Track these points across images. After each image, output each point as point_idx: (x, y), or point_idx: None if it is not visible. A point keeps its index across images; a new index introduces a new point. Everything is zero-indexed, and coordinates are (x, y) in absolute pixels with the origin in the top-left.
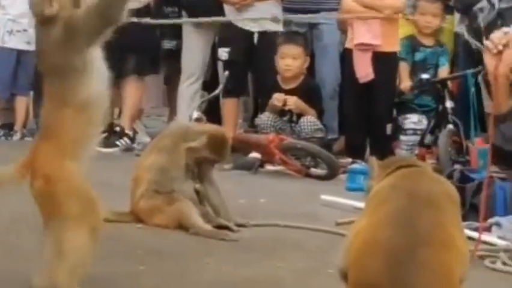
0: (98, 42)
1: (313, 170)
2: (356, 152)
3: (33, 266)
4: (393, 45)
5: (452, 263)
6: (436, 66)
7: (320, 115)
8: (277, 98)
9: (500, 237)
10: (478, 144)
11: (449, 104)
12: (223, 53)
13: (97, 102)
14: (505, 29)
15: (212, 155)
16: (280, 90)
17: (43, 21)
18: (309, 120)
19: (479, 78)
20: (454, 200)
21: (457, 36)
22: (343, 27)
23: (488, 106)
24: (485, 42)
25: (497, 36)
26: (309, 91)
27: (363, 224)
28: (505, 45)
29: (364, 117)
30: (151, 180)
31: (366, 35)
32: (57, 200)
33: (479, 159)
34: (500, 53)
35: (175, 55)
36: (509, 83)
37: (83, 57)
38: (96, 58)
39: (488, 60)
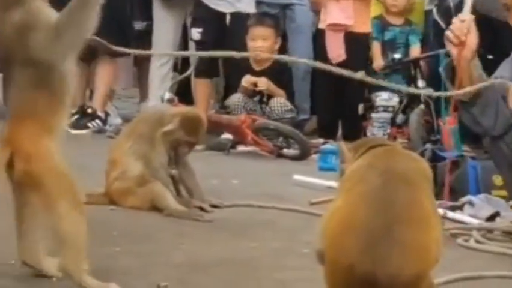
0: (73, 53)
1: (285, 151)
2: (327, 132)
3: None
4: (365, 25)
5: (429, 240)
6: (406, 46)
7: (291, 96)
8: (246, 80)
9: (472, 216)
10: (449, 124)
11: (420, 83)
12: (196, 33)
13: (68, 81)
14: (461, 16)
15: (187, 137)
16: (251, 71)
17: (6, 6)
18: (280, 102)
19: (440, 69)
20: (428, 177)
21: (427, 15)
22: (316, 8)
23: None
24: (446, 33)
25: (457, 26)
26: (279, 72)
27: (339, 204)
28: (467, 33)
29: (336, 97)
30: (136, 174)
31: (339, 15)
32: (38, 178)
33: (450, 138)
34: (462, 43)
35: (145, 36)
36: (471, 67)
37: (57, 58)
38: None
39: (452, 49)
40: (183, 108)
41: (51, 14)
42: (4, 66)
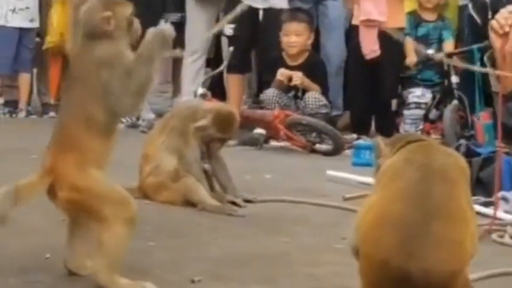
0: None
1: (318, 146)
2: (361, 128)
3: None
4: (399, 21)
5: (464, 236)
6: (439, 41)
7: (325, 91)
8: (282, 74)
9: (507, 212)
10: (483, 119)
11: (454, 79)
12: (228, 28)
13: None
14: (510, 7)
15: (219, 133)
16: (285, 66)
17: (93, 35)
18: (314, 96)
19: (485, 58)
20: (465, 172)
21: (461, 10)
22: (348, 4)
23: (495, 85)
24: (491, 22)
25: (504, 16)
26: (313, 67)
27: (376, 199)
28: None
29: (369, 93)
30: (170, 169)
31: (372, 11)
32: (88, 207)
33: (484, 134)
34: (506, 34)
35: (179, 28)
36: None
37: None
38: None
39: (495, 40)
40: (217, 104)
41: (130, 57)
42: (42, 60)
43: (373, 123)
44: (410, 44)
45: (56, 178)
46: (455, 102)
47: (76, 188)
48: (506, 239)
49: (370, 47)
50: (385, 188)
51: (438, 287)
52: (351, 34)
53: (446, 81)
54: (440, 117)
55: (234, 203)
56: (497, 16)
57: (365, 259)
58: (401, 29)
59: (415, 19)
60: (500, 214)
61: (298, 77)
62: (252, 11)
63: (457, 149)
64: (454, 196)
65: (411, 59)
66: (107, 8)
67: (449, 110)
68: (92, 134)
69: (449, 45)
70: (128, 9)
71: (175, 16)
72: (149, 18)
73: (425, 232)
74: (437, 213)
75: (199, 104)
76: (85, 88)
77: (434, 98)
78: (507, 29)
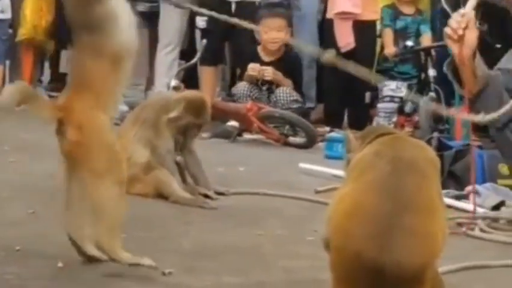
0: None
1: (291, 139)
2: (334, 121)
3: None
4: (373, 13)
5: (435, 229)
6: (417, 35)
7: (299, 86)
8: (253, 69)
9: (478, 205)
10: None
11: (431, 72)
12: (201, 21)
13: (127, 53)
14: (461, 10)
15: (194, 119)
16: (260, 61)
17: None
18: (286, 91)
19: (444, 66)
20: (435, 165)
21: (433, 4)
22: None
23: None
24: (445, 29)
25: (456, 19)
26: (288, 63)
27: (346, 191)
28: (465, 28)
29: (343, 86)
30: (142, 161)
31: (346, 3)
32: (88, 151)
33: (462, 128)
34: (461, 37)
35: (149, 19)
36: (473, 64)
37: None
38: (121, 8)
39: (451, 46)
40: (186, 93)
41: None
42: (15, 51)
43: (346, 116)
44: (388, 36)
45: (66, 115)
46: (431, 94)
47: (82, 127)
48: (477, 232)
49: (345, 39)
50: (356, 180)
51: (409, 279)
52: (325, 27)
53: (423, 75)
54: (415, 110)
55: (206, 196)
56: (450, 21)
57: (336, 251)
58: (374, 21)
59: (393, 12)
60: (471, 207)
61: (269, 72)
62: (225, 4)
63: (429, 142)
64: (424, 189)
65: (390, 49)
66: None
67: (424, 103)
68: (102, 72)
69: (426, 38)
70: None
71: (142, 6)
72: None
73: (397, 224)
74: (408, 206)
75: (170, 96)
76: (85, 26)
77: (410, 90)
78: (461, 32)
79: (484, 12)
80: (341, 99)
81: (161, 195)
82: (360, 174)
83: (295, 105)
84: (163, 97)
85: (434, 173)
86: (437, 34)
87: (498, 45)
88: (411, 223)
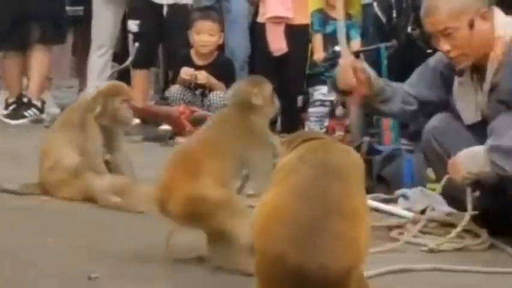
0: None
1: None
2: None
3: None
4: (304, 17)
5: (359, 233)
6: (347, 39)
7: None
8: (185, 73)
9: (406, 209)
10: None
11: None
12: (133, 25)
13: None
14: (341, 62)
15: (117, 99)
16: (192, 65)
17: (245, 108)
18: (219, 95)
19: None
20: (360, 170)
21: (365, 9)
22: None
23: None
24: (337, 85)
25: (343, 76)
26: (221, 67)
27: (271, 195)
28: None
29: (275, 89)
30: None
31: (278, 7)
32: (200, 217)
33: (391, 132)
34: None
35: (81, 22)
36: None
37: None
38: None
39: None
40: (99, 87)
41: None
42: None
43: (279, 120)
44: (318, 41)
45: (170, 193)
46: None
47: (190, 199)
48: (406, 236)
49: (278, 44)
50: (280, 184)
51: (333, 283)
52: (256, 31)
53: None
54: (346, 114)
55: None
56: (338, 77)
57: (259, 254)
58: (306, 25)
59: (323, 16)
60: (400, 211)
61: (202, 76)
62: (156, 7)
63: (359, 146)
64: (348, 193)
65: (319, 55)
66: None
67: (356, 107)
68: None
69: (356, 43)
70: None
71: (74, 9)
72: (53, 13)
73: (321, 228)
74: (332, 210)
75: (90, 94)
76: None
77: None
78: (354, 81)
79: (416, 17)
80: None
81: (90, 199)
82: (284, 179)
83: None
84: (85, 98)
85: (358, 178)
86: (369, 39)
87: (429, 50)
88: (335, 227)
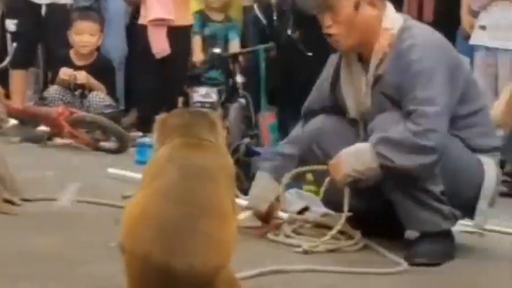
0: None
1: (102, 144)
2: (146, 126)
3: None
4: (186, 19)
5: (226, 233)
6: (226, 41)
7: (112, 92)
8: (64, 73)
9: (283, 210)
10: (268, 119)
11: (239, 78)
12: (11, 24)
13: None
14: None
15: None
16: (72, 65)
17: None
18: (99, 96)
19: None
20: (227, 171)
21: (246, 11)
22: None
23: None
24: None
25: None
26: (102, 67)
27: (139, 196)
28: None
29: (156, 91)
30: None
31: (160, 10)
32: None
33: (270, 133)
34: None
35: None
36: None
37: None
38: None
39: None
40: None
41: None
42: None
43: None
44: (197, 43)
45: None
46: (240, 101)
47: None
48: (281, 238)
49: (160, 46)
50: (148, 185)
51: (201, 283)
52: (138, 32)
53: (231, 81)
54: (225, 116)
55: (10, 202)
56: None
57: (128, 255)
58: (188, 26)
59: (203, 18)
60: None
61: (82, 77)
62: (34, 7)
63: (237, 148)
64: (215, 194)
65: (198, 57)
66: None
67: (235, 109)
68: None
69: (234, 45)
70: None
71: None
72: None
73: (187, 228)
74: (198, 211)
75: None
76: None
77: (220, 96)
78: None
79: (295, 20)
80: (153, 105)
81: None
82: (152, 179)
83: (108, 110)
84: None
85: (226, 179)
86: (251, 40)
87: (310, 53)
88: (202, 227)
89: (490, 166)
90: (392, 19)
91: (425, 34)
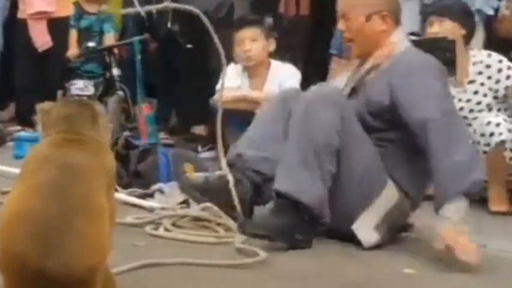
0: None
1: None
2: (25, 120)
3: None
4: (66, 9)
5: (102, 231)
6: (101, 33)
7: None
8: None
9: (161, 203)
10: (145, 111)
11: (115, 71)
12: None
13: None
14: None
15: None
16: None
17: None
18: None
19: None
20: (106, 170)
21: (125, 3)
22: None
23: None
24: None
25: None
26: None
27: (14, 194)
28: None
29: (34, 84)
30: None
31: (40, 3)
32: None
33: (147, 126)
34: None
35: None
36: None
37: None
38: None
39: None
40: None
41: None
42: None
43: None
44: (73, 37)
45: None
46: (118, 93)
47: None
48: (161, 231)
49: (42, 39)
50: (25, 181)
51: (77, 281)
52: (17, 27)
53: (108, 74)
54: (104, 109)
55: None
56: None
57: (2, 253)
58: (67, 17)
59: (79, 11)
60: (156, 206)
61: None
62: None
63: (116, 141)
64: (91, 192)
65: (72, 51)
66: None
67: (113, 102)
68: None
69: (109, 38)
70: None
71: None
72: None
73: (61, 227)
74: (74, 209)
75: None
76: None
77: (97, 89)
78: None
79: (174, 13)
80: (32, 98)
81: None
82: (29, 176)
83: None
84: None
85: (102, 177)
86: (130, 33)
87: (189, 46)
88: (77, 227)
89: (392, 191)
90: (399, 40)
91: (423, 59)
